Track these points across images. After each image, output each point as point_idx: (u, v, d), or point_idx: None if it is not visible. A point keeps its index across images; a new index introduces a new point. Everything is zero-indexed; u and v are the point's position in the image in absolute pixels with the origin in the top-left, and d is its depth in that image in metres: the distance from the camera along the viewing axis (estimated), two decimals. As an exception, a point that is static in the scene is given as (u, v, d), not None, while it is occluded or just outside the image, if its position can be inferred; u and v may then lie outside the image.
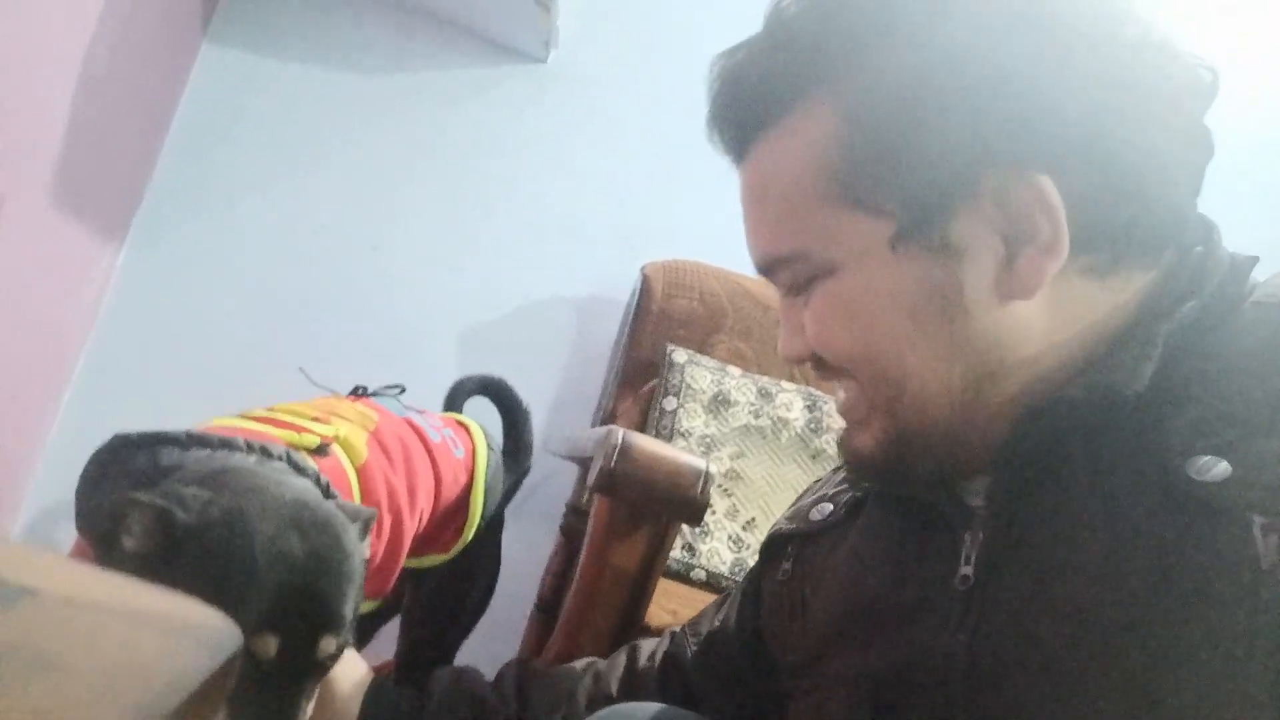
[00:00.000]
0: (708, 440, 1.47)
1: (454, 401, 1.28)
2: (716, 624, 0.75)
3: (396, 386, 1.09)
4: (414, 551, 1.02)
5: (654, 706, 0.59)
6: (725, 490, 1.44)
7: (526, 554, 1.48)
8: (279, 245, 1.75)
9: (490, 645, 1.26)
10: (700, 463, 0.84)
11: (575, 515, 1.45)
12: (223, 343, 1.72)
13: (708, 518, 1.42)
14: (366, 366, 1.73)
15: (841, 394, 0.58)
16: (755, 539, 1.41)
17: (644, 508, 0.84)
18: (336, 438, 0.90)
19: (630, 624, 0.86)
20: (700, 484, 0.83)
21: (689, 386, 1.51)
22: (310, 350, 1.72)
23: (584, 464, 1.26)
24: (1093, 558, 0.45)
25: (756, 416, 1.50)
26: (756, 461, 1.47)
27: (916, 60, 0.48)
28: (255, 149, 1.76)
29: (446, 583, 1.07)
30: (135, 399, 1.67)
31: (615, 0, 1.87)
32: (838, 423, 1.56)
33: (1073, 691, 0.44)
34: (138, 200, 1.68)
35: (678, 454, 0.84)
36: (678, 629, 0.79)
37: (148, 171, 1.69)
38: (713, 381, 1.52)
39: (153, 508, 0.62)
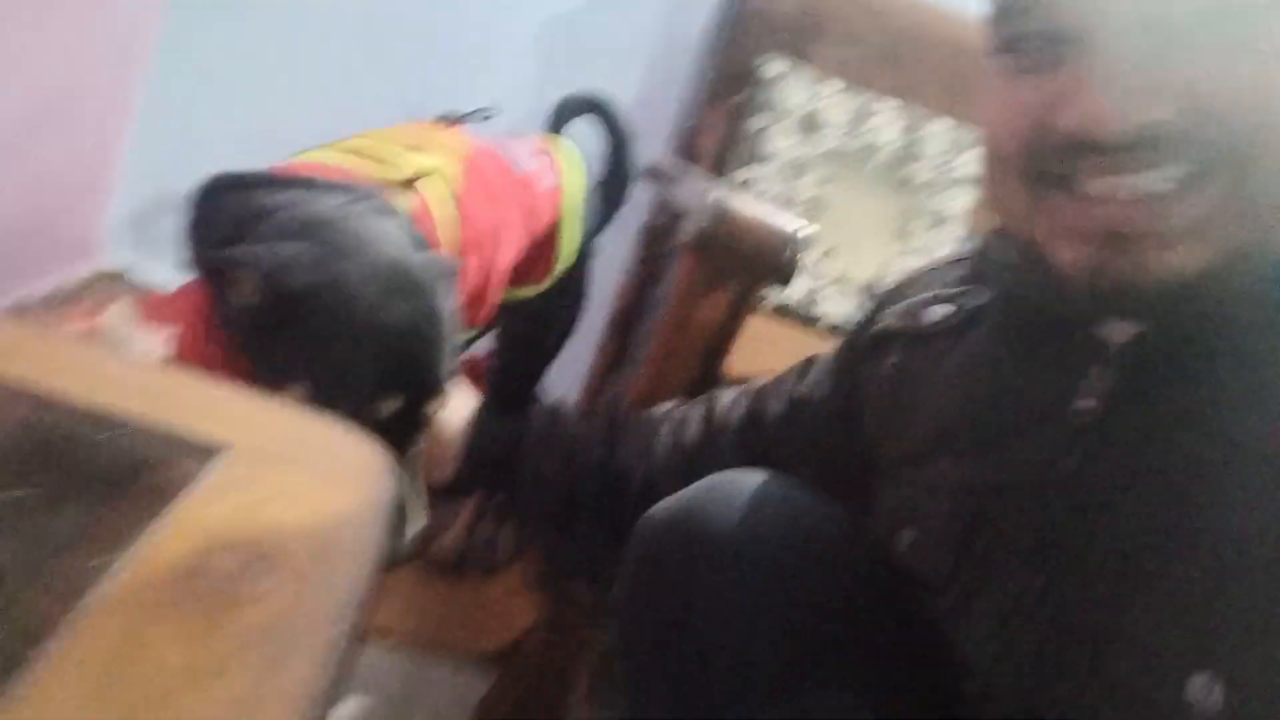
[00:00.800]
0: (794, 163, 1.42)
1: (558, 120, 1.23)
2: (803, 391, 0.75)
3: (485, 110, 1.05)
4: (510, 282, 1.04)
5: (758, 476, 0.59)
6: (809, 218, 1.42)
7: (600, 260, 1.51)
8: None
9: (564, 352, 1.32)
10: (791, 227, 0.82)
11: (651, 237, 1.45)
12: (294, 25, 1.64)
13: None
14: (442, 63, 1.67)
15: (1163, 183, 0.44)
16: (833, 268, 1.41)
17: (732, 268, 0.84)
18: (431, 170, 0.89)
19: (710, 376, 0.89)
20: (790, 250, 0.81)
21: (780, 104, 1.42)
22: (383, 45, 1.64)
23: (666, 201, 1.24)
24: (1222, 426, 0.45)
25: (849, 139, 1.42)
26: (843, 189, 1.42)
27: None
28: None
29: (537, 311, 1.11)
30: (209, 87, 1.65)
31: None
32: (932, 148, 1.47)
33: (1171, 536, 0.46)
34: None
35: (771, 217, 0.82)
36: (760, 383, 0.81)
37: None
38: (807, 98, 1.43)
39: (259, 270, 0.65)
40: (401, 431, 0.67)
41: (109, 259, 1.68)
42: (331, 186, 0.76)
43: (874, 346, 0.68)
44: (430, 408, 0.69)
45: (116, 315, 1.49)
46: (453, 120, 1.00)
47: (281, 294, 0.65)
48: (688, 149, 1.52)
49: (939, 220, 1.42)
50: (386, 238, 0.72)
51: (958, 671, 0.54)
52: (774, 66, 1.43)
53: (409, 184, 0.85)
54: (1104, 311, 0.50)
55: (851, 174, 1.42)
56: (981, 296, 0.62)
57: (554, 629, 0.97)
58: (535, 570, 1.09)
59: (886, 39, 1.48)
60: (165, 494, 0.42)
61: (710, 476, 0.61)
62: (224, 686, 0.33)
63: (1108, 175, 0.44)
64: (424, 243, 0.81)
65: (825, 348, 0.76)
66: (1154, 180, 0.43)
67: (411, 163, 0.87)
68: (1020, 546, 0.52)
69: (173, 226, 1.67)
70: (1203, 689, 0.42)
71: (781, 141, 1.42)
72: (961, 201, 1.43)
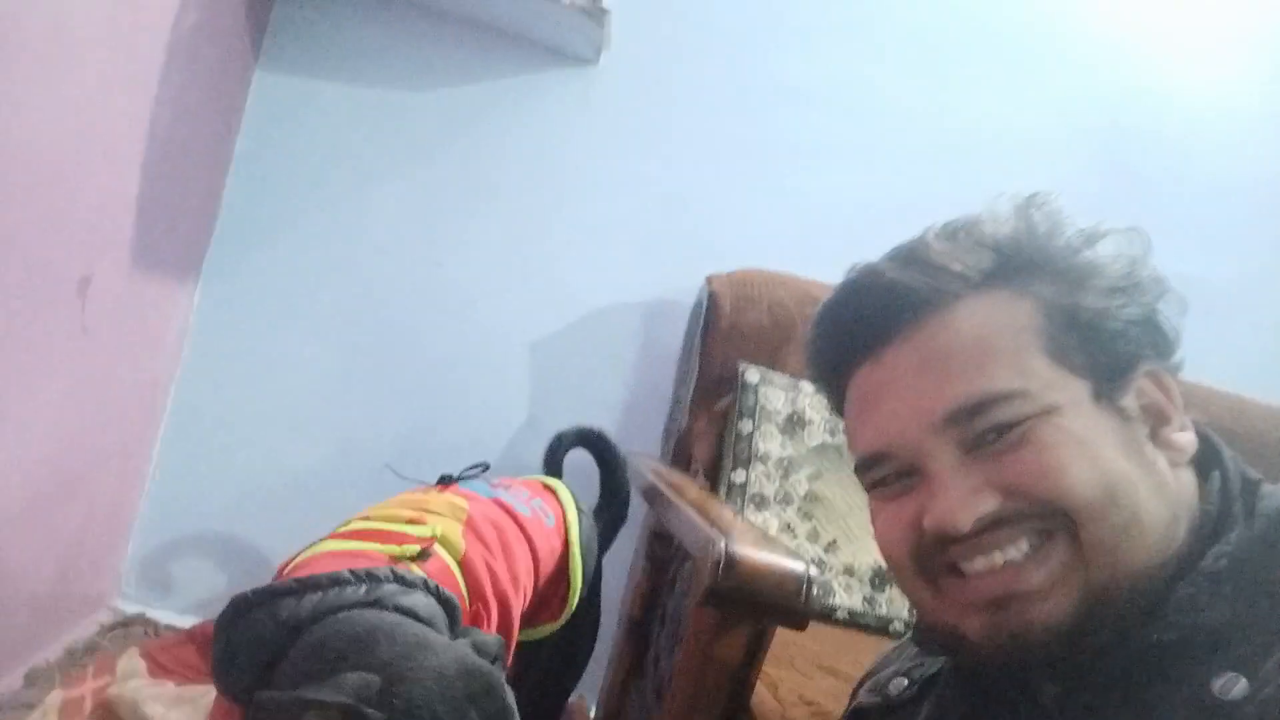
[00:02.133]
0: (785, 463, 1.48)
1: (554, 456, 1.31)
2: None
3: (480, 465, 1.12)
4: (526, 624, 1.06)
5: None
6: (805, 514, 1.46)
7: (609, 563, 1.53)
8: (344, 268, 1.76)
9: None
10: (801, 567, 0.85)
11: (658, 540, 1.48)
12: (299, 367, 1.76)
13: (790, 542, 1.44)
14: (437, 382, 1.77)
15: (1016, 552, 0.57)
16: (838, 561, 1.43)
17: (748, 617, 0.86)
18: (435, 537, 0.93)
19: (737, 707, 0.89)
20: (804, 591, 0.84)
21: (763, 408, 1.51)
22: (381, 372, 1.76)
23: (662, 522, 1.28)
24: None
25: (832, 434, 1.50)
26: (834, 481, 1.48)
27: (1084, 290, 0.60)
28: (314, 174, 1.76)
29: (554, 647, 1.11)
30: (224, 432, 1.73)
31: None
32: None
33: None
34: (207, 239, 1.70)
35: (780, 561, 0.85)
36: None
37: (214, 209, 1.70)
38: (787, 400, 1.52)
39: (338, 707, 0.64)
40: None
41: (123, 604, 1.68)
42: (353, 578, 0.79)
43: None
44: None
45: (126, 667, 1.46)
46: (450, 481, 1.06)
47: None
48: (680, 454, 1.59)
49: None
50: (437, 642, 0.73)
51: None
52: (753, 373, 1.54)
53: (423, 555, 0.89)
54: (1011, 664, 0.59)
55: (845, 465, 1.48)
56: (933, 666, 0.70)
57: None
58: None
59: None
60: None
61: None
62: None
63: (977, 555, 0.57)
64: (451, 598, 0.83)
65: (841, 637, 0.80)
66: (1010, 552, 0.57)
67: (416, 535, 0.91)
68: None
69: (184, 569, 1.69)
70: None
71: (770, 442, 1.49)
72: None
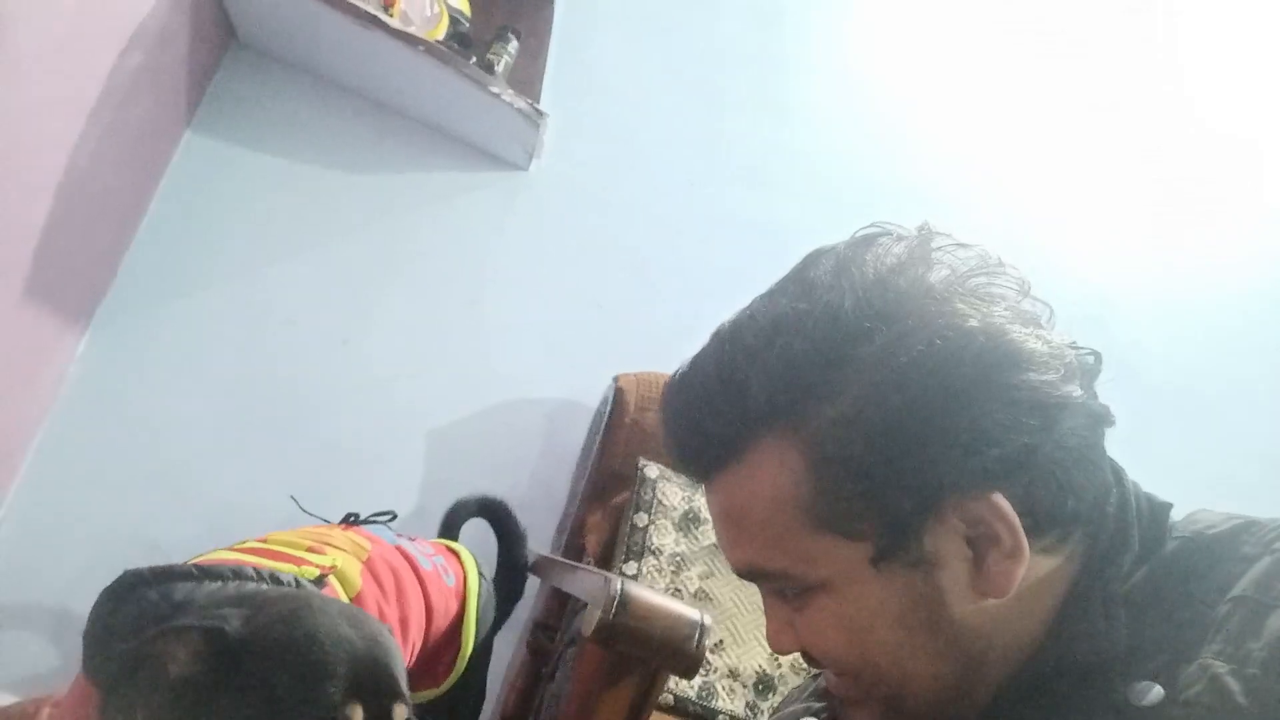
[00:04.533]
0: (678, 558, 1.48)
1: (453, 521, 1.28)
2: None
3: (387, 513, 1.09)
4: (411, 685, 0.99)
5: None
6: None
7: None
8: (247, 337, 1.72)
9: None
10: (696, 615, 0.85)
11: (543, 632, 1.43)
12: (182, 432, 1.67)
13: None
14: (333, 463, 1.71)
15: (832, 678, 0.61)
16: (723, 663, 1.41)
17: (638, 658, 0.84)
18: (333, 568, 0.89)
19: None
20: (696, 638, 0.83)
21: (660, 503, 1.52)
22: (276, 446, 1.69)
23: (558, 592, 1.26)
24: None
25: (726, 535, 1.51)
26: (725, 582, 1.48)
27: (870, 408, 0.52)
28: (229, 240, 1.75)
29: (435, 715, 1.04)
30: (84, 491, 1.61)
31: (598, 111, 1.94)
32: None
33: None
34: (105, 288, 1.65)
35: (675, 606, 0.85)
36: None
37: (118, 258, 1.66)
38: (684, 498, 1.53)
39: (200, 629, 0.63)
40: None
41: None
42: (257, 575, 0.75)
43: None
44: (399, 717, 0.67)
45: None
46: (354, 522, 1.03)
47: (225, 649, 0.62)
48: (572, 546, 1.57)
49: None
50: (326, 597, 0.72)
51: None
52: (653, 469, 1.55)
53: (319, 581, 0.85)
54: None
55: (732, 567, 1.49)
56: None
57: None
58: None
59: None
60: None
61: None
62: None
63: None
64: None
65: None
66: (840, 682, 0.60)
67: (315, 562, 0.87)
68: None
69: (9, 639, 1.51)
70: None
71: (665, 537, 1.49)
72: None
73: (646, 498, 1.52)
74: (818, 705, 0.73)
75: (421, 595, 0.98)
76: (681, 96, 2.01)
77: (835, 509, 0.53)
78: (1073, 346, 0.55)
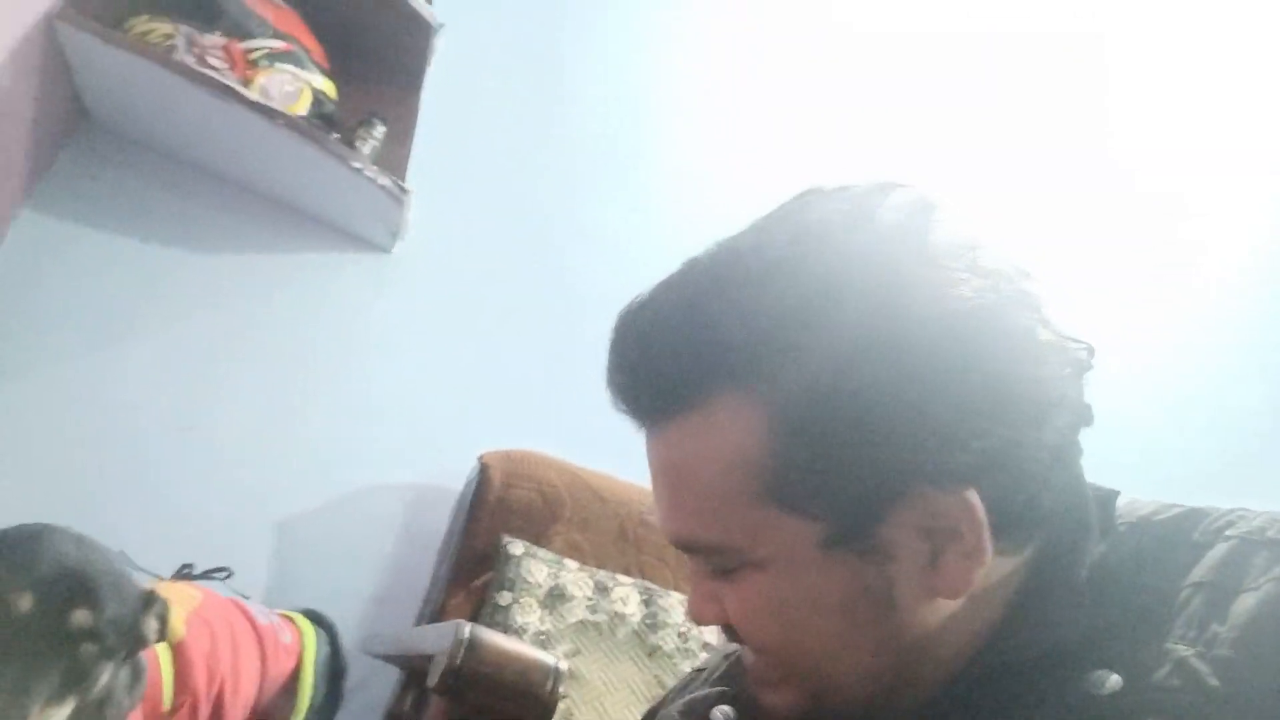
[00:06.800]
0: (543, 637, 1.42)
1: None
2: None
3: (224, 569, 1.01)
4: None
5: None
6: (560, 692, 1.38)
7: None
8: (83, 419, 1.60)
9: None
10: (551, 660, 0.81)
11: (396, 723, 1.33)
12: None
13: (542, 722, 1.34)
14: (173, 556, 1.58)
15: (750, 656, 0.58)
16: (591, 745, 1.34)
17: (489, 709, 0.79)
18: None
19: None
20: (551, 683, 0.79)
21: (524, 580, 1.47)
22: (111, 538, 1.54)
23: (407, 666, 1.18)
24: None
25: (593, 612, 1.47)
26: (592, 659, 1.43)
27: (851, 377, 0.47)
28: (64, 321, 1.64)
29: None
30: None
31: (462, 192, 1.96)
32: (674, 617, 1.55)
33: None
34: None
35: (528, 650, 0.81)
36: None
37: (-67, 335, 1.53)
38: (549, 575, 1.49)
39: None
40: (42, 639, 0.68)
41: None
42: None
43: None
44: (76, 621, 0.69)
45: None
46: (187, 576, 0.95)
47: None
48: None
49: (688, 685, 1.44)
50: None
51: None
52: (516, 546, 1.50)
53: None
54: None
55: (604, 643, 1.44)
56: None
57: None
58: None
59: (616, 524, 1.63)
60: None
61: None
62: None
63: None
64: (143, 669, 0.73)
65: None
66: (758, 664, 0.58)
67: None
68: None
69: None
70: None
71: (529, 615, 1.43)
72: (706, 665, 1.47)
73: (510, 575, 1.47)
74: (724, 690, 0.67)
75: (258, 648, 0.91)
76: (542, 180, 2.05)
77: (791, 482, 0.48)
78: (1072, 338, 0.52)
